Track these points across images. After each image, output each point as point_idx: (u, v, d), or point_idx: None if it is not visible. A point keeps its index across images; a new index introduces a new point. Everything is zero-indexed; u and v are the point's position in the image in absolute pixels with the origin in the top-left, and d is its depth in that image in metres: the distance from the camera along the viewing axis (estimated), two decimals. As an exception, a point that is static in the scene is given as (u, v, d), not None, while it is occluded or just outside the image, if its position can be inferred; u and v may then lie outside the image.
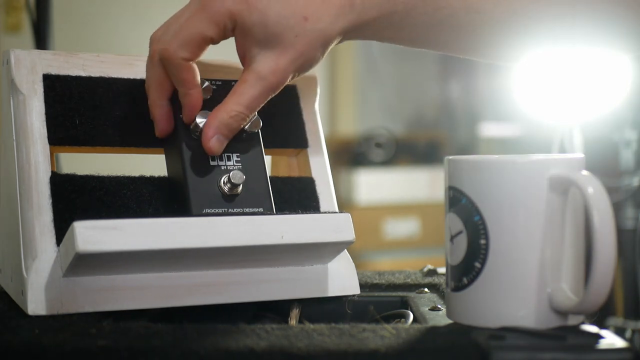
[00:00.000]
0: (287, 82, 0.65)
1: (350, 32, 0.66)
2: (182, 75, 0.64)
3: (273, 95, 0.65)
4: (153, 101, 0.66)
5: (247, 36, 0.63)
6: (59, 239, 0.61)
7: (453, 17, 0.67)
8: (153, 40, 0.66)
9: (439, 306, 0.65)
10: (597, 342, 0.51)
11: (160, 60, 0.64)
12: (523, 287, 0.55)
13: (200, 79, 0.66)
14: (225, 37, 0.64)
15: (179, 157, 0.65)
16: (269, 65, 0.63)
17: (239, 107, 0.64)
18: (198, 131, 0.65)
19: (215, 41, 0.64)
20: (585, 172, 0.55)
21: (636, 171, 1.50)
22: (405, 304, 0.70)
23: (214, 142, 0.65)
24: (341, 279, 0.69)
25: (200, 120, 0.65)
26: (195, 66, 0.64)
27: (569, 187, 0.55)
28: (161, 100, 0.66)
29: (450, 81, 3.31)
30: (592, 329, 0.55)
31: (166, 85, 0.65)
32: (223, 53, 0.72)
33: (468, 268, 0.57)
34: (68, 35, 2.57)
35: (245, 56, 0.65)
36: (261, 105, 0.65)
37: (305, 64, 0.65)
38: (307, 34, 0.64)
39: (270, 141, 0.70)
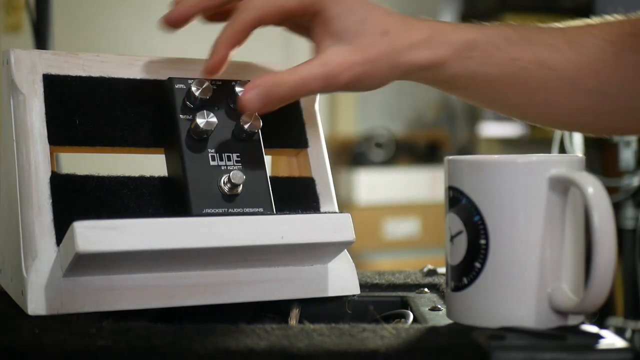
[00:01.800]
0: (346, 84, 0.64)
1: (423, 69, 0.67)
2: (238, 28, 0.63)
3: (326, 90, 0.65)
4: (222, 41, 0.64)
5: (326, 26, 0.64)
6: (59, 239, 0.61)
7: (525, 71, 0.68)
8: None
9: (439, 306, 0.65)
10: (597, 342, 0.51)
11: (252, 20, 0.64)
12: (523, 287, 0.55)
13: (201, 79, 0.66)
14: (301, 19, 0.65)
15: (179, 157, 0.65)
16: (337, 56, 0.64)
17: (290, 76, 0.64)
18: (199, 131, 0.65)
19: (291, 16, 0.64)
20: (585, 172, 0.55)
21: (636, 171, 1.50)
22: (405, 304, 0.70)
23: (251, 95, 0.63)
24: (341, 279, 0.69)
25: (200, 121, 0.65)
26: (252, 32, 0.64)
27: (569, 187, 0.55)
28: (230, 45, 0.64)
29: (450, 81, 3.30)
30: (592, 329, 0.55)
31: (240, 37, 0.64)
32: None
33: (468, 268, 0.57)
34: (68, 35, 2.57)
35: (319, 46, 0.66)
36: (311, 92, 0.65)
37: (369, 73, 0.65)
38: (382, 46, 0.64)
39: (270, 141, 0.70)
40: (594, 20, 0.72)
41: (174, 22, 0.66)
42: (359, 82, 0.65)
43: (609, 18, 0.71)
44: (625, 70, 0.69)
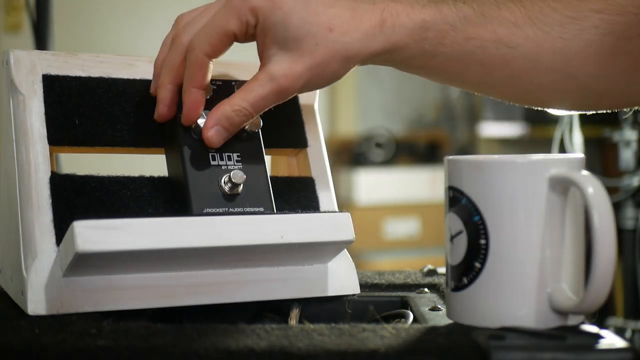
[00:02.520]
0: (300, 90, 0.64)
1: (378, 55, 0.65)
2: (194, 70, 0.63)
3: (282, 101, 0.65)
4: (162, 83, 0.65)
5: (267, 35, 0.63)
6: (59, 239, 0.61)
7: (483, 50, 0.66)
8: (179, 24, 0.66)
9: (439, 306, 0.65)
10: (597, 342, 0.51)
11: (184, 49, 0.64)
12: (523, 287, 0.55)
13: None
14: (247, 34, 0.64)
15: (180, 156, 0.65)
16: (282, 67, 0.63)
17: (243, 102, 0.64)
18: (199, 131, 0.65)
19: (238, 37, 0.64)
20: (585, 172, 0.55)
21: (636, 171, 1.50)
22: (405, 304, 0.70)
23: (212, 133, 0.64)
24: (341, 278, 0.69)
25: (201, 121, 0.65)
26: (210, 67, 0.64)
27: (569, 187, 0.55)
28: (171, 84, 0.65)
29: (450, 81, 3.30)
30: (592, 329, 0.55)
31: (180, 71, 0.65)
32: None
33: (468, 268, 0.57)
34: (68, 35, 2.57)
35: (262, 55, 0.65)
36: (267, 107, 0.65)
37: (321, 75, 0.64)
38: (328, 45, 0.63)
39: (270, 141, 0.70)
40: None
41: (166, 116, 0.66)
42: (314, 84, 0.65)
43: None
44: (587, 49, 0.67)
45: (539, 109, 0.75)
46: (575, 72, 0.68)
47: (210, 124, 0.64)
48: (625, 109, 0.77)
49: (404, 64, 0.68)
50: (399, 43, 0.65)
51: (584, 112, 0.77)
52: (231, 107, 0.64)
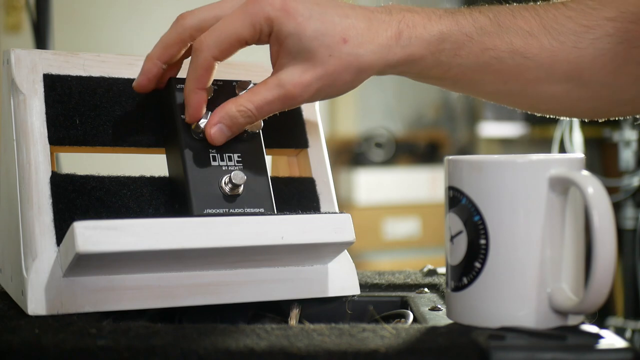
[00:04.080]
0: (309, 99, 0.64)
1: (394, 67, 0.65)
2: (201, 72, 0.63)
3: (288, 108, 0.65)
4: (151, 57, 0.65)
5: (281, 45, 0.63)
6: (59, 239, 0.61)
7: (499, 61, 0.67)
8: (180, 22, 0.65)
9: (439, 306, 0.65)
10: (597, 342, 0.51)
11: (184, 32, 0.64)
12: (523, 287, 0.55)
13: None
14: (260, 41, 0.64)
15: (180, 157, 0.65)
16: (292, 76, 0.63)
17: (249, 104, 0.64)
18: (200, 131, 0.65)
19: (249, 43, 0.63)
20: (585, 172, 0.55)
21: (636, 171, 1.50)
22: (405, 304, 0.70)
23: (214, 130, 0.64)
24: (341, 279, 0.69)
25: (201, 121, 0.65)
26: (215, 68, 0.64)
27: (569, 187, 0.55)
28: (159, 60, 0.65)
29: (450, 81, 3.30)
30: (592, 329, 0.55)
31: (171, 51, 0.65)
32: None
33: (468, 268, 0.57)
34: (68, 35, 2.57)
35: (275, 63, 0.65)
36: (272, 112, 0.65)
37: (332, 84, 0.64)
38: (342, 56, 0.63)
39: (271, 141, 0.70)
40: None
41: (144, 88, 0.66)
42: (324, 93, 0.65)
43: None
44: (600, 57, 0.67)
45: (551, 116, 0.76)
46: (589, 80, 0.68)
47: (214, 121, 0.64)
48: (637, 116, 0.77)
49: (420, 75, 0.68)
50: (415, 55, 0.65)
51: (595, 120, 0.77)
52: (236, 107, 0.64)
